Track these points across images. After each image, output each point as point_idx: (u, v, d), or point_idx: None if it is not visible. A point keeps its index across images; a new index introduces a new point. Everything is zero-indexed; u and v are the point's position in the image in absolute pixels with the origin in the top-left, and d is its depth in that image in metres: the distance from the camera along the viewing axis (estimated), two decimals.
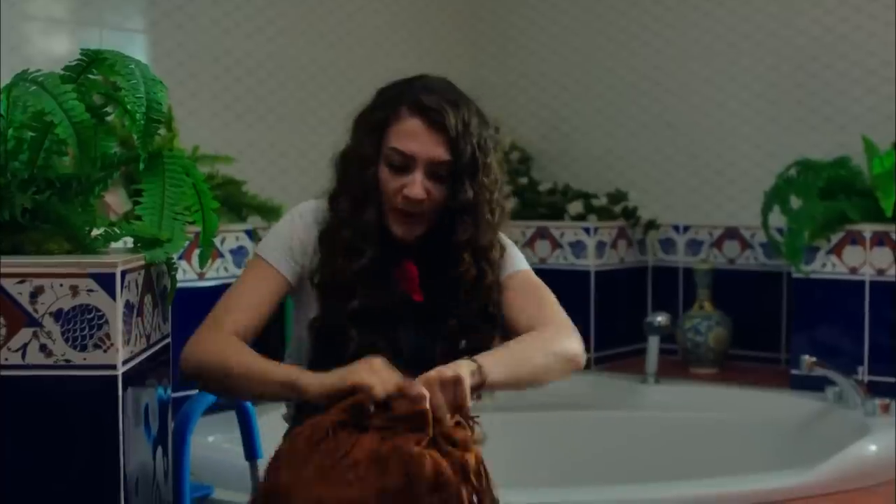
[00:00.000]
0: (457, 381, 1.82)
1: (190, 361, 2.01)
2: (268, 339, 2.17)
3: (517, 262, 2.18)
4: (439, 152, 2.01)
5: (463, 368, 1.85)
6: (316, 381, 1.88)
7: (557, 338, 2.08)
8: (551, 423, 3.85)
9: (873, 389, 3.63)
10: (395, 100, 2.04)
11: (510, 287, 2.14)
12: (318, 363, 2.03)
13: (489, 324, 2.11)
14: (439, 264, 2.08)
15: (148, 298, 1.89)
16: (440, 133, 2.00)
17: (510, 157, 4.85)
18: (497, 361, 1.94)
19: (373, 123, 2.05)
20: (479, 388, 1.91)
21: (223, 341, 2.00)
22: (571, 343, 2.10)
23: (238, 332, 2.03)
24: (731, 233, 4.58)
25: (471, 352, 1.98)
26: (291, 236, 2.10)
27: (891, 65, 4.22)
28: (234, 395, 2.17)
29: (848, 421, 3.49)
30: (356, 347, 2.00)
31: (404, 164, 2.01)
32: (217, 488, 2.75)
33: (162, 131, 3.08)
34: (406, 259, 2.09)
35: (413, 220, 2.05)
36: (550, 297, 2.16)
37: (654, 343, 4.07)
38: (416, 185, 2.00)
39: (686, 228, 4.68)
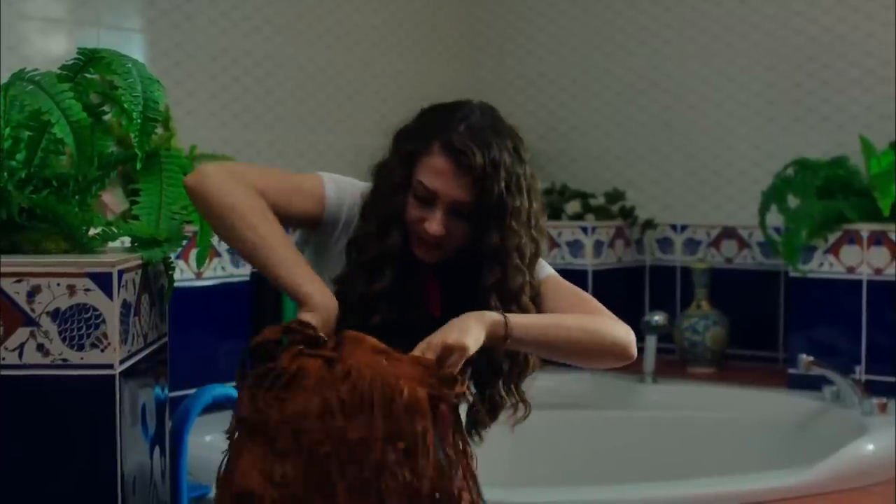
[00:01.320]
0: (460, 350, 1.86)
1: (203, 184, 1.88)
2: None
3: (543, 267, 2.18)
4: (462, 194, 1.99)
5: (483, 322, 1.89)
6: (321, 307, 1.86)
7: (605, 321, 2.10)
8: (549, 423, 3.84)
9: (870, 389, 3.63)
10: (431, 133, 2.02)
11: (542, 294, 2.14)
12: None
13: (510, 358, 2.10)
14: (464, 291, 2.05)
15: (145, 298, 1.89)
16: (466, 175, 1.98)
17: None
18: (528, 320, 1.98)
19: (406, 152, 2.04)
20: (504, 340, 1.93)
21: (245, 189, 1.90)
22: (620, 329, 2.12)
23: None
24: (729, 232, 4.58)
25: (489, 371, 2.03)
26: (349, 201, 2.06)
27: (888, 64, 4.23)
28: (230, 242, 1.98)
29: (845, 420, 3.49)
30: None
31: (428, 199, 2.00)
32: (214, 488, 2.75)
33: (159, 130, 3.08)
34: (430, 277, 2.08)
35: (434, 249, 2.04)
36: (587, 294, 2.17)
37: (651, 342, 4.07)
38: (435, 223, 1.99)
39: (683, 228, 4.68)
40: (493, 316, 1.94)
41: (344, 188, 2.08)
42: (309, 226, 2.08)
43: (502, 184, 2.00)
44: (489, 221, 2.00)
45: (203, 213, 1.90)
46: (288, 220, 2.01)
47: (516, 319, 1.97)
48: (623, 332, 2.12)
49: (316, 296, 1.87)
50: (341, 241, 2.06)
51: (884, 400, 3.52)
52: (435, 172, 1.99)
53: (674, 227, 4.69)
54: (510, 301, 2.04)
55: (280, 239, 1.90)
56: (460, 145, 1.97)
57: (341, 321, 1.93)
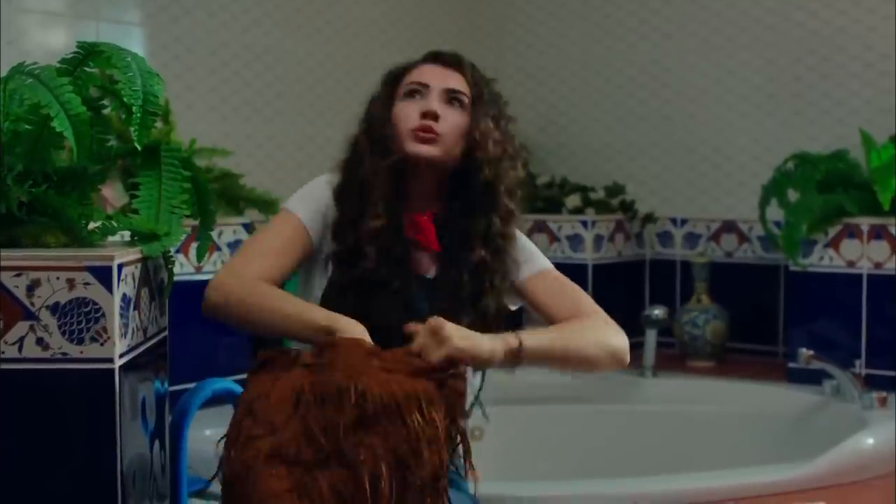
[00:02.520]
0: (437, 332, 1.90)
1: (213, 299, 2.05)
2: None
3: (540, 260, 2.21)
4: (454, 81, 2.13)
5: (501, 344, 1.96)
6: (358, 330, 1.91)
7: (604, 328, 2.17)
8: (549, 417, 3.85)
9: (870, 383, 3.63)
10: (416, 60, 2.18)
11: (539, 288, 2.19)
12: None
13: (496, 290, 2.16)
14: (456, 220, 2.14)
15: (145, 292, 1.89)
16: (455, 69, 2.14)
17: None
18: (539, 341, 2.04)
19: (391, 76, 2.17)
20: (517, 357, 1.99)
21: (250, 284, 2.03)
22: (619, 336, 2.19)
23: (262, 279, 2.07)
24: (729, 226, 4.58)
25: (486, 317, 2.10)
26: (322, 199, 2.14)
27: (889, 58, 4.22)
28: (262, 333, 2.14)
29: (845, 414, 3.49)
30: (370, 316, 2.01)
31: (420, 92, 2.12)
32: (215, 482, 2.75)
33: (159, 124, 3.08)
34: (418, 216, 2.14)
35: (430, 140, 2.10)
36: (582, 292, 2.21)
37: (651, 336, 4.07)
38: (432, 101, 2.10)
39: (684, 222, 4.68)
40: (510, 340, 1.96)
41: (311, 195, 2.16)
42: (312, 255, 2.15)
43: (491, 89, 2.17)
44: (481, 110, 2.12)
45: (235, 326, 2.09)
46: (295, 269, 2.14)
47: (529, 342, 2.02)
48: (620, 341, 2.19)
49: (341, 319, 1.94)
50: (328, 217, 2.16)
51: (884, 394, 3.52)
52: (424, 72, 2.13)
53: (674, 221, 4.69)
54: (497, 207, 2.11)
55: (286, 300, 2.01)
56: (442, 50, 2.17)
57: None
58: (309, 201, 2.15)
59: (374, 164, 2.10)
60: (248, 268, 2.07)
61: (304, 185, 2.20)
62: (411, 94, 2.12)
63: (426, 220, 2.14)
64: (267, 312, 2.01)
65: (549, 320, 2.20)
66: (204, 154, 3.47)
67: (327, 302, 2.10)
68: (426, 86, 2.12)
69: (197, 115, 3.88)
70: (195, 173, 2.00)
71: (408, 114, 2.11)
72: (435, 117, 2.09)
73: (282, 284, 2.12)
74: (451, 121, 2.11)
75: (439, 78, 2.13)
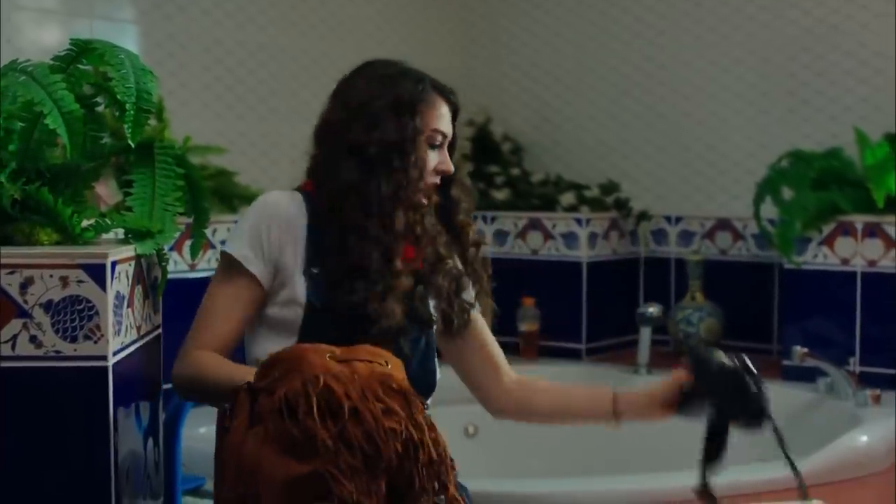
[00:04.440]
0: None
1: (175, 383, 2.04)
2: None
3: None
4: (451, 130, 2.18)
5: None
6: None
7: None
8: None
9: (865, 380, 3.63)
10: (420, 84, 2.13)
11: (483, 322, 2.30)
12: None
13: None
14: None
15: (139, 289, 1.89)
16: (452, 112, 2.17)
17: (502, 147, 4.85)
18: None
19: (410, 109, 2.10)
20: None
21: (194, 359, 2.01)
22: None
23: (215, 347, 2.04)
24: (723, 224, 4.58)
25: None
26: (263, 232, 2.06)
27: (883, 55, 4.23)
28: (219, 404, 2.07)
29: (839, 412, 3.50)
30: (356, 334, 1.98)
31: (440, 143, 2.14)
32: (209, 480, 2.75)
33: (152, 122, 3.08)
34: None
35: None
36: None
37: (646, 334, 4.07)
38: (449, 161, 2.15)
39: (678, 219, 4.68)
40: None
41: (253, 236, 2.07)
42: (266, 292, 2.09)
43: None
44: (454, 151, 2.20)
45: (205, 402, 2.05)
46: (250, 318, 2.08)
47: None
48: None
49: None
50: (287, 252, 2.07)
51: (878, 391, 3.52)
52: (443, 116, 2.14)
53: (668, 219, 4.69)
54: (465, 225, 2.22)
55: (218, 369, 1.97)
56: (448, 87, 2.17)
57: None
58: (246, 241, 2.06)
59: (394, 205, 2.07)
60: (193, 344, 2.04)
61: (247, 217, 2.11)
62: (434, 144, 2.13)
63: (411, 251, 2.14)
64: (211, 386, 1.95)
65: (483, 360, 2.29)
66: (198, 151, 3.47)
67: (312, 319, 2.06)
68: (444, 136, 2.15)
69: (191, 113, 3.87)
70: (189, 171, 2.00)
71: (430, 166, 2.12)
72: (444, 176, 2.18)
73: (235, 343, 2.08)
74: None
75: (449, 126, 2.16)
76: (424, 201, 2.11)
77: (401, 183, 2.06)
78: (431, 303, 2.18)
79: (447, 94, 2.16)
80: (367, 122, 2.08)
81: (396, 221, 2.06)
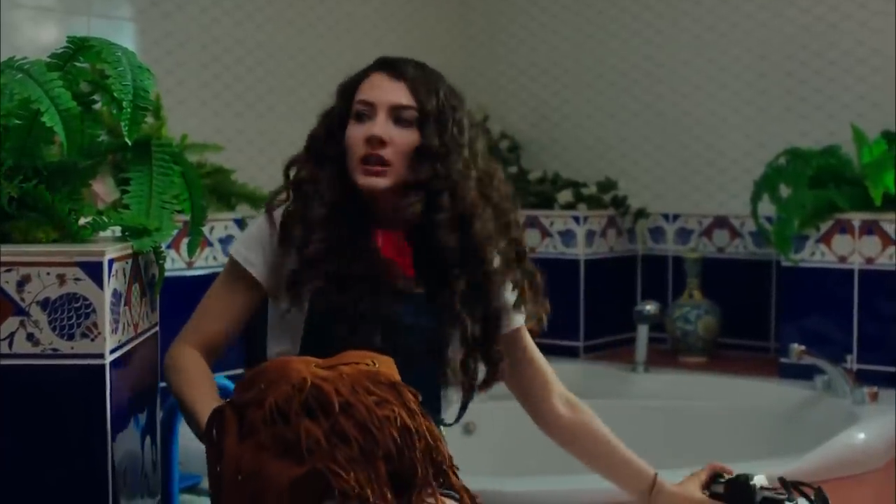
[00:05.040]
0: None
1: (163, 365, 2.05)
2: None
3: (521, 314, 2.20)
4: (399, 96, 2.03)
5: None
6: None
7: None
8: None
9: (862, 378, 3.63)
10: (365, 69, 2.11)
11: (527, 338, 2.23)
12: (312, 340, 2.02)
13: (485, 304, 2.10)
14: (426, 238, 2.06)
15: (136, 287, 1.88)
16: (399, 80, 2.04)
17: (500, 145, 4.85)
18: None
19: (345, 90, 2.10)
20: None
21: (178, 355, 2.02)
22: None
23: (204, 343, 2.05)
24: (721, 221, 4.58)
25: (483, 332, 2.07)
26: (264, 235, 2.08)
27: (881, 53, 4.23)
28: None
29: (836, 409, 3.50)
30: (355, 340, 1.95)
31: (368, 113, 2.03)
32: (205, 478, 2.74)
33: (150, 119, 3.07)
34: (400, 242, 2.07)
35: (378, 172, 2.02)
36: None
37: (643, 332, 4.07)
38: (377, 125, 2.01)
39: (675, 217, 4.68)
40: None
41: (254, 238, 2.09)
42: (265, 295, 2.08)
43: (441, 94, 2.05)
44: (430, 124, 2.02)
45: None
46: (247, 317, 2.08)
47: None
48: None
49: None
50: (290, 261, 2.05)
51: (875, 389, 3.53)
52: (370, 86, 2.04)
53: (666, 217, 4.69)
54: (466, 223, 2.04)
55: (187, 385, 1.97)
56: (392, 60, 2.07)
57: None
58: (248, 243, 2.09)
59: (330, 196, 2.02)
60: (183, 336, 2.06)
61: (254, 223, 2.13)
62: (359, 116, 2.04)
63: (401, 239, 2.06)
64: (175, 391, 1.99)
65: (532, 375, 2.25)
66: (195, 149, 3.46)
67: (312, 331, 2.04)
68: (371, 105, 2.03)
69: (188, 111, 3.87)
70: (186, 168, 1.99)
71: (355, 140, 2.02)
72: (380, 143, 2.01)
73: (236, 338, 2.10)
74: (399, 143, 2.01)
75: (385, 93, 2.02)
76: (367, 183, 2.01)
77: (321, 157, 2.06)
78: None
79: (385, 65, 2.06)
80: (322, 118, 2.13)
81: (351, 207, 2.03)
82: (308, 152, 2.12)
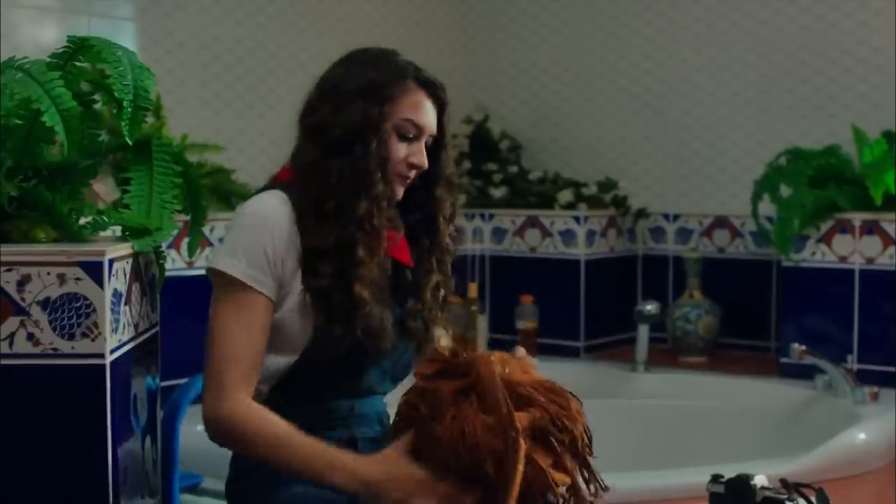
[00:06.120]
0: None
1: (214, 428, 1.93)
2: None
3: None
4: (435, 125, 2.08)
5: None
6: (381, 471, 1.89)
7: None
8: None
9: (863, 378, 3.63)
10: (399, 72, 2.05)
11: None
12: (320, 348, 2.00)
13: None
14: (420, 234, 2.13)
15: (136, 287, 1.88)
16: (436, 107, 2.07)
17: (500, 145, 4.85)
18: None
19: (378, 94, 2.03)
20: None
21: (248, 415, 1.91)
22: None
23: (251, 386, 1.95)
24: (721, 221, 4.58)
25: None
26: (266, 247, 1.96)
27: (881, 53, 4.23)
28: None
29: (837, 409, 3.50)
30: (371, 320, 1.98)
31: (415, 136, 2.04)
32: (206, 477, 2.75)
33: (150, 119, 3.07)
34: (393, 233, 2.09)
35: (405, 184, 2.08)
36: None
37: (643, 331, 4.07)
38: (424, 155, 2.05)
39: (676, 217, 4.68)
40: None
41: (248, 247, 1.96)
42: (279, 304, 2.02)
43: (446, 119, 2.11)
44: (445, 151, 2.11)
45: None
46: (269, 336, 1.98)
47: None
48: None
49: (349, 466, 1.89)
50: (288, 263, 1.99)
51: (875, 389, 3.53)
52: (419, 108, 2.04)
53: (666, 217, 4.69)
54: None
55: (304, 459, 1.91)
56: (433, 79, 2.06)
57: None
58: (255, 256, 1.95)
59: (354, 191, 1.99)
60: (234, 388, 1.92)
61: (242, 218, 2.00)
62: (404, 135, 2.03)
63: (402, 238, 2.10)
64: (284, 465, 1.91)
65: None
66: (195, 149, 3.46)
67: (323, 331, 2.00)
68: (420, 130, 2.04)
69: (189, 111, 3.87)
70: (186, 168, 1.99)
71: (401, 159, 2.03)
72: (422, 169, 2.07)
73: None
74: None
75: (431, 121, 2.05)
76: (388, 193, 2.02)
77: (360, 169, 1.98)
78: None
79: (430, 87, 2.05)
80: (335, 104, 2.04)
81: (358, 208, 1.97)
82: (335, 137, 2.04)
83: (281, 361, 2.00)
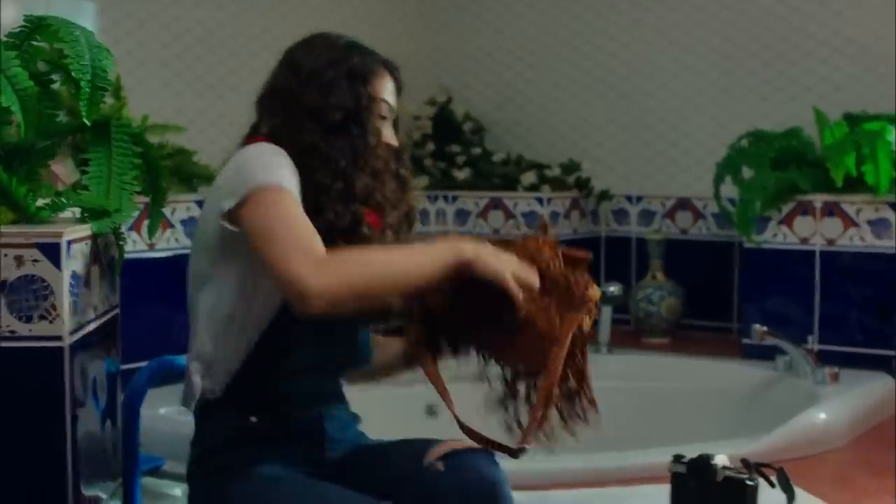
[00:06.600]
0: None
1: (324, 297, 1.79)
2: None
3: None
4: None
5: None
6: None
7: None
8: None
9: (823, 358, 3.66)
10: (372, 56, 2.13)
11: None
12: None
13: None
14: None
15: (95, 269, 1.87)
16: (397, 90, 2.15)
17: (464, 127, 4.84)
18: None
19: (363, 77, 2.09)
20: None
21: (339, 259, 1.86)
22: None
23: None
24: (684, 203, 4.60)
25: None
26: (292, 170, 1.97)
27: (843, 36, 4.25)
28: (391, 296, 2.00)
29: (798, 389, 3.52)
30: None
31: (388, 116, 2.11)
32: (168, 460, 2.73)
33: (109, 100, 3.05)
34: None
35: None
36: None
37: (606, 313, 4.08)
38: (394, 136, 2.12)
39: (639, 199, 4.69)
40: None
41: (288, 169, 1.97)
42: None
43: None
44: (399, 132, 2.17)
45: (358, 307, 1.88)
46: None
47: None
48: None
49: (453, 244, 1.92)
50: None
51: (836, 369, 3.55)
52: (388, 89, 2.12)
53: (629, 198, 4.71)
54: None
55: (392, 255, 1.92)
56: (397, 70, 2.15)
57: None
58: (287, 173, 1.95)
59: (354, 169, 2.03)
60: (314, 250, 1.84)
61: (262, 155, 2.01)
62: (382, 116, 2.11)
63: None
64: (390, 278, 1.88)
65: None
66: (156, 130, 3.44)
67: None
68: (391, 110, 2.14)
69: (149, 92, 3.83)
70: (147, 149, 1.98)
71: (385, 135, 2.11)
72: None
73: None
74: None
75: (394, 99, 2.15)
76: (382, 168, 2.09)
77: (358, 148, 2.05)
78: None
79: (395, 71, 2.15)
80: (321, 89, 2.07)
81: (357, 184, 2.03)
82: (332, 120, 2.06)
83: (264, 313, 1.93)
